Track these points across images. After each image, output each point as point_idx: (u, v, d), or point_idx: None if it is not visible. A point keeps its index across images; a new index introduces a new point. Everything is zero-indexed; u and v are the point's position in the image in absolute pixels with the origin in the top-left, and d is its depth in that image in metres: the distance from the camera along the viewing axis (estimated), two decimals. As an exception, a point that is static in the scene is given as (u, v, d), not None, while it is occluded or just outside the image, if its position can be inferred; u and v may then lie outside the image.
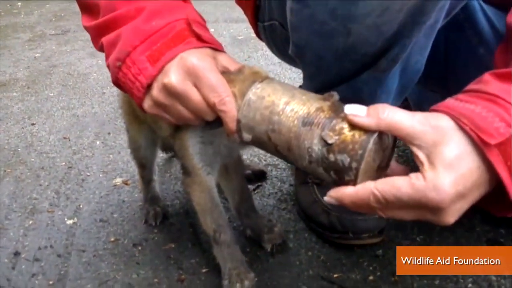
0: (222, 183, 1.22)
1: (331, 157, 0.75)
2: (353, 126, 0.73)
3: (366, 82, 1.00)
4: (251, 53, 2.74)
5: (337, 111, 0.76)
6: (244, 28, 3.18)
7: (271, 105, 0.81)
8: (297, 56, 1.07)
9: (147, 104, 0.90)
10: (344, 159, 0.73)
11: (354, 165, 0.73)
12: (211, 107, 0.85)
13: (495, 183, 0.69)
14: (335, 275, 1.10)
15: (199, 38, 0.87)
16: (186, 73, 0.84)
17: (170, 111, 0.89)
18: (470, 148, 0.68)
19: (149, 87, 0.88)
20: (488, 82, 0.73)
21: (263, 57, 2.65)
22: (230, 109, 0.83)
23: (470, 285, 1.04)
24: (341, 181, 0.76)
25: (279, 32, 1.22)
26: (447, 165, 0.67)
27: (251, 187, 1.41)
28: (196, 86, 0.84)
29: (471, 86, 0.74)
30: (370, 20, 0.88)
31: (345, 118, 0.74)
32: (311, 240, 1.22)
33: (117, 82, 0.93)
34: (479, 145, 0.67)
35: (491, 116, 0.68)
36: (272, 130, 0.81)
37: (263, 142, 0.84)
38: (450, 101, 0.73)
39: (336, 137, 0.74)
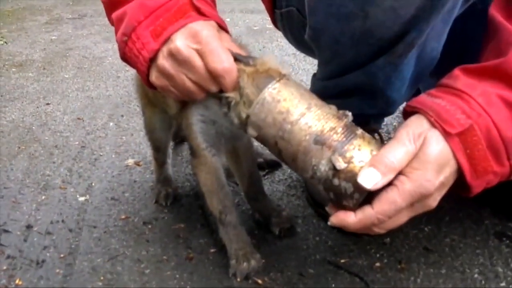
0: (232, 167, 1.23)
1: (336, 181, 0.77)
2: (362, 154, 0.77)
3: (382, 68, 1.00)
4: (266, 44, 2.74)
5: (349, 135, 0.78)
6: (259, 18, 3.19)
7: (285, 112, 0.80)
8: (313, 40, 1.07)
9: (154, 75, 0.91)
10: (349, 188, 0.76)
11: (356, 196, 0.76)
12: (212, 73, 0.85)
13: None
14: (342, 260, 1.10)
15: (199, 11, 0.89)
16: (190, 40, 0.86)
17: (176, 82, 0.90)
18: (447, 143, 0.77)
19: (151, 61, 0.89)
20: (457, 77, 0.82)
21: (278, 47, 2.65)
22: (229, 75, 0.84)
23: (476, 275, 1.04)
24: (337, 203, 0.79)
25: (296, 18, 1.22)
26: (428, 162, 0.76)
27: (261, 173, 1.42)
28: (199, 53, 0.86)
29: (443, 80, 0.84)
30: (387, 3, 0.88)
31: (356, 146, 0.77)
32: (319, 226, 1.22)
33: (124, 57, 0.95)
34: (443, 135, 0.76)
35: (454, 109, 0.77)
36: (281, 138, 0.80)
37: (268, 143, 0.84)
38: (422, 97, 0.83)
39: (345, 165, 0.76)
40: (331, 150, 0.77)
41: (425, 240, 1.15)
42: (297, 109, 0.80)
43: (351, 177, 0.76)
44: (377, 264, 1.09)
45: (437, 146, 0.76)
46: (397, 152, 0.76)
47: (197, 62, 0.86)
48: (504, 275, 1.04)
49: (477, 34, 1.12)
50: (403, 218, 0.79)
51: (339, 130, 0.78)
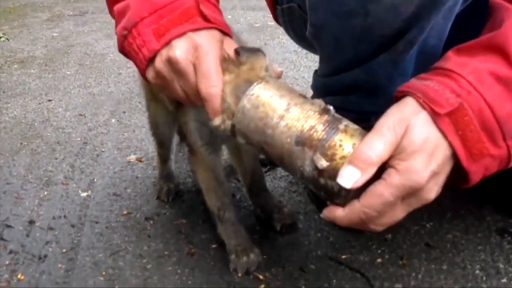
0: (235, 163, 1.23)
1: (322, 180, 0.75)
2: (344, 150, 0.74)
3: (382, 65, 1.00)
4: (268, 41, 2.74)
5: (330, 131, 0.75)
6: (261, 15, 3.18)
7: (265, 117, 0.78)
8: (314, 37, 1.07)
9: (150, 74, 0.90)
10: (335, 185, 0.74)
11: (343, 193, 0.74)
12: (199, 92, 0.84)
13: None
14: (343, 256, 1.11)
15: (205, 18, 0.87)
16: (191, 52, 0.84)
17: (169, 86, 0.89)
18: (435, 126, 0.73)
19: (151, 60, 0.88)
20: (448, 58, 0.79)
21: (279, 44, 2.65)
22: (212, 101, 0.82)
23: (477, 271, 1.05)
24: (330, 200, 0.78)
25: (297, 14, 1.22)
26: (414, 151, 0.72)
27: (263, 169, 1.42)
28: (195, 68, 0.84)
29: (435, 64, 0.80)
30: (388, 0, 0.88)
31: (338, 142, 0.74)
32: (321, 222, 1.22)
33: (122, 50, 0.93)
34: (432, 116, 0.73)
35: (443, 88, 0.74)
36: (265, 142, 0.79)
37: (256, 149, 0.83)
38: (412, 80, 0.80)
39: (327, 163, 0.73)
40: (312, 149, 0.75)
41: (427, 236, 1.15)
42: (276, 113, 0.77)
43: (335, 175, 0.73)
44: (379, 260, 1.09)
45: (422, 131, 0.72)
46: (375, 144, 0.72)
47: (191, 77, 0.84)
48: (506, 271, 1.04)
49: (479, 31, 1.12)
50: (398, 213, 0.76)
51: (319, 127, 0.75)
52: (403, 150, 0.72)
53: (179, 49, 0.84)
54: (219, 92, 0.82)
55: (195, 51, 0.84)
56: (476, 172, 0.76)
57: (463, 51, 0.79)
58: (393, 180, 0.72)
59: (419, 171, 0.72)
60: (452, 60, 0.78)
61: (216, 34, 0.87)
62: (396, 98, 0.80)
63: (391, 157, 0.73)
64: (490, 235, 1.15)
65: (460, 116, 0.72)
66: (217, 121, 0.83)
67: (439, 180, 0.75)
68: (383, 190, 0.72)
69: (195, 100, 0.87)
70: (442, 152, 0.73)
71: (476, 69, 0.74)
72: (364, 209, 0.73)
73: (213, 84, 0.82)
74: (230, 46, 0.88)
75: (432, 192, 0.74)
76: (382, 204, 0.73)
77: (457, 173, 0.77)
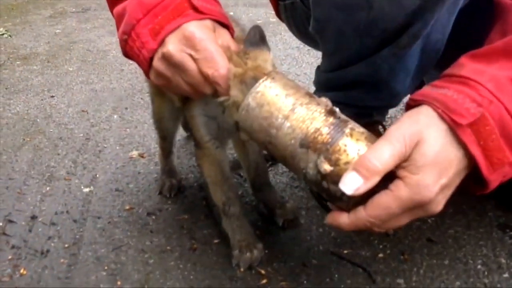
0: (240, 156, 1.23)
1: (325, 184, 0.74)
2: (348, 155, 0.73)
3: (386, 59, 1.00)
4: (270, 37, 2.71)
5: (335, 135, 0.74)
6: (263, 12, 3.18)
7: (269, 117, 0.77)
8: (317, 32, 1.07)
9: (152, 75, 0.91)
10: (337, 190, 0.73)
11: (345, 198, 0.73)
12: (206, 78, 0.84)
13: (473, 165, 0.73)
14: (345, 251, 1.11)
15: (197, 10, 0.87)
16: (183, 43, 0.85)
17: (172, 83, 0.90)
18: (448, 139, 0.71)
19: (152, 60, 0.89)
20: (463, 64, 0.76)
21: (282, 41, 2.65)
22: (224, 82, 0.83)
23: (479, 266, 1.05)
24: (332, 203, 0.78)
25: (300, 10, 1.22)
26: (426, 165, 0.70)
27: (265, 164, 1.42)
28: (192, 57, 0.84)
29: (448, 70, 0.78)
30: (392, -7, 0.88)
31: (342, 147, 0.73)
32: (323, 217, 1.22)
33: (126, 55, 0.95)
34: (452, 127, 0.70)
35: (462, 97, 0.71)
36: (269, 142, 0.79)
37: (260, 147, 0.83)
38: (426, 89, 0.76)
39: (331, 168, 0.73)
40: (317, 153, 0.74)
41: (429, 231, 1.15)
42: (281, 112, 0.76)
43: (338, 180, 0.72)
44: (380, 255, 1.09)
45: (436, 144, 0.70)
46: (383, 152, 0.70)
47: (190, 66, 0.84)
48: (507, 266, 1.04)
49: (483, 26, 1.12)
50: (403, 220, 0.75)
51: (325, 130, 0.74)
52: (414, 163, 0.70)
53: (171, 44, 0.85)
54: (226, 72, 0.82)
55: (188, 41, 0.84)
56: (495, 180, 0.74)
57: (477, 57, 0.76)
58: (402, 193, 0.71)
59: (429, 186, 0.70)
60: (468, 67, 0.75)
61: (207, 23, 0.88)
62: (409, 106, 0.78)
63: (399, 167, 0.71)
64: (491, 230, 1.15)
65: (481, 126, 0.70)
66: (226, 98, 0.83)
67: (448, 193, 0.74)
68: (391, 203, 0.71)
69: (201, 88, 0.87)
70: (454, 165, 0.72)
71: (494, 77, 0.72)
72: (370, 219, 0.73)
73: (220, 65, 0.83)
74: (221, 35, 0.89)
75: (439, 204, 0.74)
76: (388, 215, 0.72)
77: (472, 181, 0.76)
